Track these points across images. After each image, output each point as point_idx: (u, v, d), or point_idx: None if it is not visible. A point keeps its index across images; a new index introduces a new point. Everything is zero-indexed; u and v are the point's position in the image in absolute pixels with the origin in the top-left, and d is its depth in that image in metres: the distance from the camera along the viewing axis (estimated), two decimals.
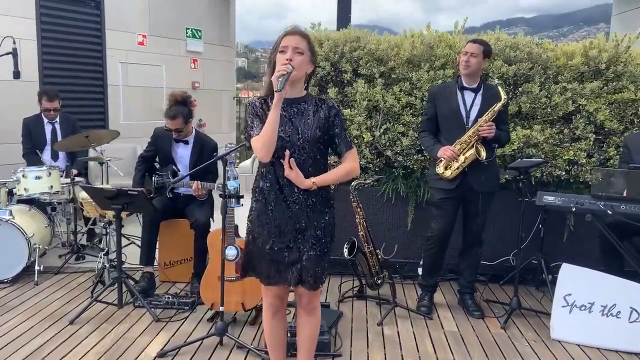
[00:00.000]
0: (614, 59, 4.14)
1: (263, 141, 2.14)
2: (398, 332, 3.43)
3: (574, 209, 3.43)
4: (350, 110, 4.25)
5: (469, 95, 3.58)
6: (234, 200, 3.09)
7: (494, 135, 3.46)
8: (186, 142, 4.07)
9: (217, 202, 4.51)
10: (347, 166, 2.29)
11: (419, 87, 4.20)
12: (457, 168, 3.49)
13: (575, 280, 3.40)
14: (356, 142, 4.17)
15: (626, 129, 4.18)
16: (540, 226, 4.16)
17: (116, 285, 3.66)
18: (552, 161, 4.15)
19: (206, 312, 3.60)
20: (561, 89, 4.16)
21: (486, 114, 3.47)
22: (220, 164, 3.08)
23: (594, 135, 4.16)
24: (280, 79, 2.08)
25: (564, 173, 4.18)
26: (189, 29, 7.53)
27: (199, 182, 3.79)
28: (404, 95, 4.20)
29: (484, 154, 3.47)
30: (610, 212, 3.27)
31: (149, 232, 3.91)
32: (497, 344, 3.32)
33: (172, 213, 4.10)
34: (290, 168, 2.17)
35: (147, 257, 3.93)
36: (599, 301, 3.32)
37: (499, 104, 3.46)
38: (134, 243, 4.69)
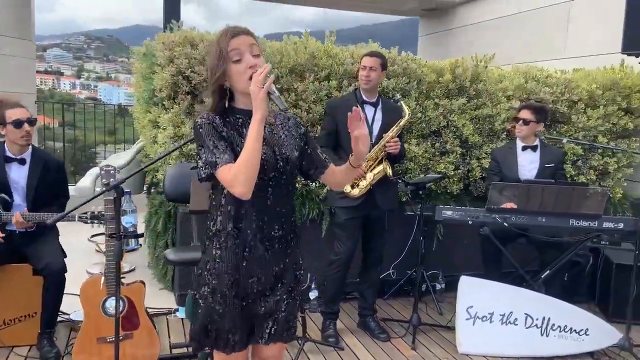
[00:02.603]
0: (475, 77, 4.44)
1: (247, 172, 1.61)
2: None
3: (470, 222, 3.52)
4: None
5: (369, 110, 3.43)
6: (133, 240, 2.42)
7: (399, 151, 3.37)
8: (22, 162, 3.14)
9: (67, 233, 3.62)
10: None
11: (304, 99, 3.92)
12: (366, 186, 3.31)
13: (474, 292, 3.50)
14: None
15: (484, 142, 4.51)
16: (422, 238, 4.23)
17: None
18: (426, 174, 4.26)
19: None
20: (434, 104, 4.29)
21: (392, 129, 3.35)
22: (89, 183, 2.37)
23: (460, 149, 4.40)
24: (273, 93, 1.61)
25: (433, 185, 4.34)
26: None
27: (19, 213, 2.92)
28: (289, 106, 3.87)
29: (389, 170, 3.36)
30: (506, 225, 3.43)
31: None
32: None
33: (8, 258, 3.12)
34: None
35: None
36: (497, 310, 3.46)
37: (404, 119, 3.38)
38: None
